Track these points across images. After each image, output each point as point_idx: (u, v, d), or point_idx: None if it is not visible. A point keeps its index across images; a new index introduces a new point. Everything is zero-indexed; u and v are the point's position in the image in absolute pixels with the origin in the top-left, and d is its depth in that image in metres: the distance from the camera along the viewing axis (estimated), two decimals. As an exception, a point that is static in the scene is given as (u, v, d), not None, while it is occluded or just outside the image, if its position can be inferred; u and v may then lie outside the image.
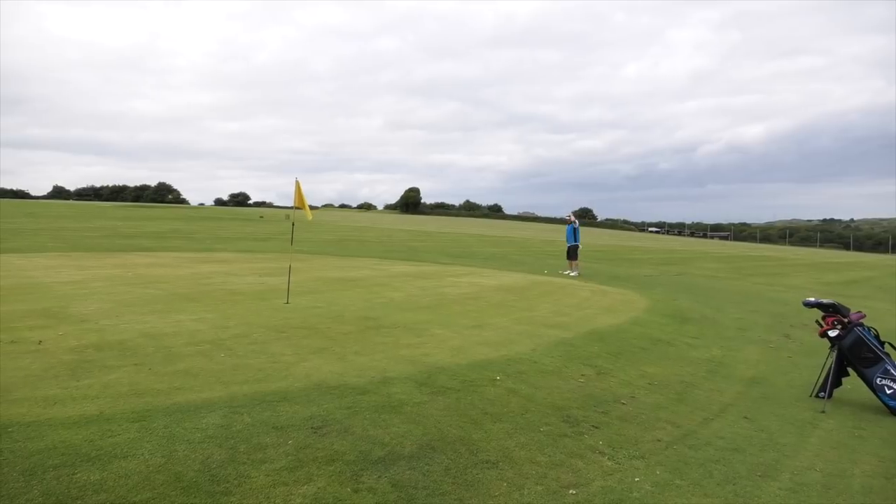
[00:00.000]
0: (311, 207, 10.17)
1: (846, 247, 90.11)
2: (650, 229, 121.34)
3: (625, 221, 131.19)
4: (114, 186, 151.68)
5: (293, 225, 11.82)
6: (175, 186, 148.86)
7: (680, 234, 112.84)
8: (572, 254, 18.13)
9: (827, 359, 6.45)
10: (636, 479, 3.89)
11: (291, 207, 10.07)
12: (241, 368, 5.38)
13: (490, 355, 6.51)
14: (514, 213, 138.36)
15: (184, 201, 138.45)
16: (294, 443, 3.86)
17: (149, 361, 5.44)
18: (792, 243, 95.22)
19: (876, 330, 6.30)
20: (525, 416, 4.81)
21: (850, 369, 6.36)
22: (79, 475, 3.24)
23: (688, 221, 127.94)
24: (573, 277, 16.77)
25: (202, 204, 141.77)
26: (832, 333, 6.31)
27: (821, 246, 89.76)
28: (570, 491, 3.64)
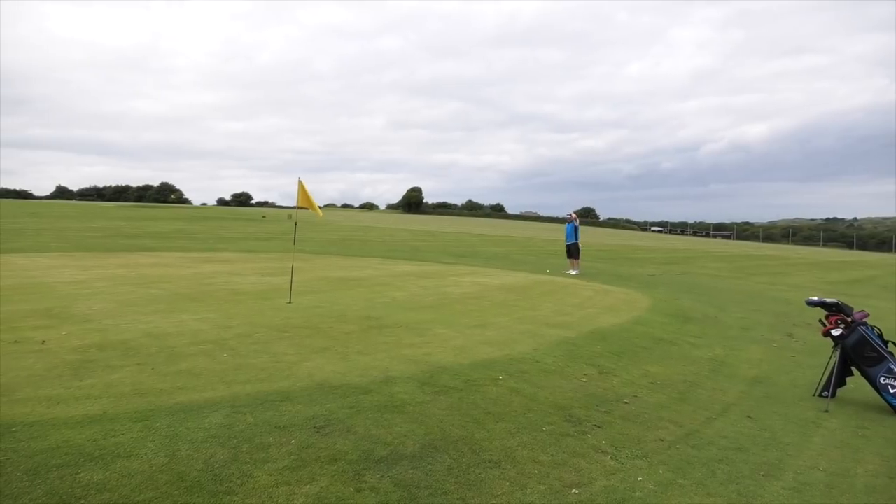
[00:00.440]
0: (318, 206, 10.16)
1: (849, 246, 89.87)
2: (653, 229, 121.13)
3: (627, 221, 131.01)
4: (116, 186, 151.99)
5: (296, 225, 11.83)
6: (178, 186, 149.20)
7: (682, 233, 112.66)
8: (573, 252, 18.15)
9: (830, 358, 6.44)
10: (639, 479, 3.88)
11: (294, 207, 10.08)
12: (243, 368, 5.39)
13: (492, 355, 6.51)
14: (517, 212, 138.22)
15: (186, 201, 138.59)
16: (297, 442, 3.86)
17: (152, 361, 5.45)
18: (795, 242, 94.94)
19: (879, 329, 6.29)
20: (527, 416, 4.81)
21: (853, 369, 6.34)
22: (82, 475, 3.25)
23: (690, 221, 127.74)
24: (574, 276, 16.78)
25: (205, 204, 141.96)
26: (835, 333, 6.30)
27: (824, 245, 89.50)
28: (573, 490, 3.63)
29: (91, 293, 9.12)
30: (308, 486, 3.34)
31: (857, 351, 6.17)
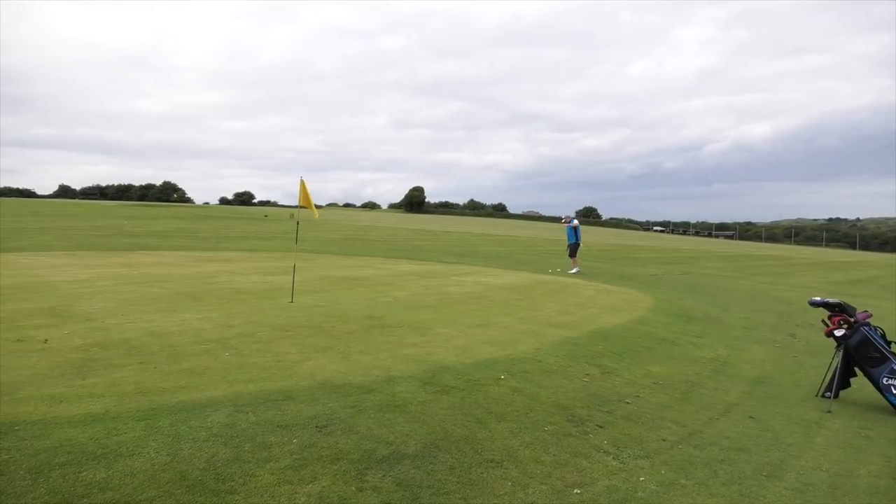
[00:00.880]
0: (316, 206, 10.17)
1: (852, 246, 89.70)
2: (655, 228, 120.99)
3: (629, 221, 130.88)
4: (119, 185, 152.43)
5: (297, 224, 11.84)
6: (180, 185, 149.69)
7: (685, 233, 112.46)
8: (574, 251, 18.19)
9: (833, 358, 6.42)
10: (641, 479, 3.88)
11: (296, 206, 10.08)
12: (245, 367, 5.39)
13: (494, 354, 6.50)
14: (519, 212, 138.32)
15: (188, 200, 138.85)
16: (299, 441, 3.86)
17: (154, 360, 5.45)
18: (797, 242, 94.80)
19: (882, 329, 6.27)
20: (529, 416, 4.80)
21: (856, 369, 6.33)
22: (84, 473, 3.25)
23: (693, 220, 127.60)
24: (572, 275, 16.81)
25: (207, 203, 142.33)
26: (838, 333, 6.28)
27: (826, 245, 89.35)
28: (575, 490, 3.63)
29: (93, 292, 9.14)
30: (310, 486, 3.34)
31: (859, 351, 6.16)
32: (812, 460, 4.57)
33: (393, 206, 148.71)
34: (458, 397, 5.01)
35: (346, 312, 8.41)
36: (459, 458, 3.89)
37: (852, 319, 6.30)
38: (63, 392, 4.46)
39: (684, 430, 4.92)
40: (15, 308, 7.53)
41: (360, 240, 30.47)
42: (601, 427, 4.75)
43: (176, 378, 4.95)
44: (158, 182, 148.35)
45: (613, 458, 4.18)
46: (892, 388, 5.99)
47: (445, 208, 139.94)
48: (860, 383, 6.45)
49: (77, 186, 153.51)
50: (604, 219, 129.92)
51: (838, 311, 6.43)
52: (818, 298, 6.67)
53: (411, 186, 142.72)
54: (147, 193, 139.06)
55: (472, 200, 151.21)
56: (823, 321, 6.60)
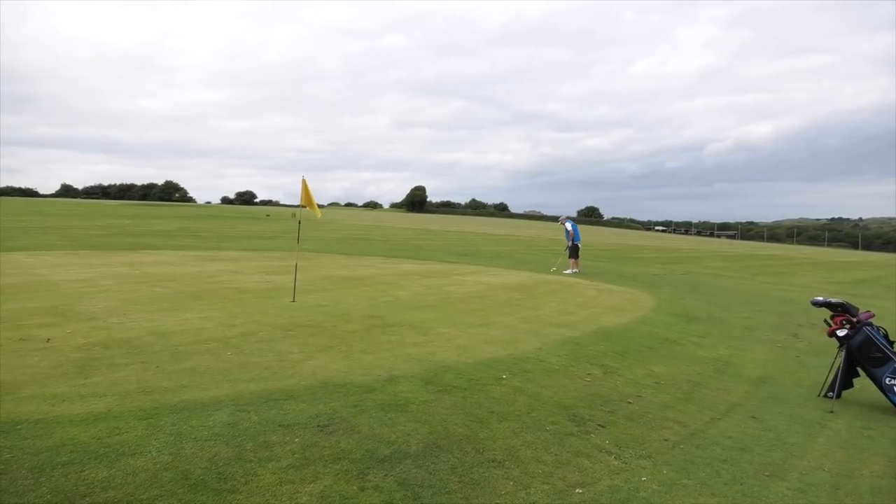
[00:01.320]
0: (318, 206, 10.17)
1: (854, 246, 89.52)
2: (657, 228, 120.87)
3: (631, 220, 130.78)
4: (121, 185, 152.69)
5: (299, 223, 11.85)
6: (182, 185, 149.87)
7: (687, 233, 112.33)
8: (573, 252, 18.14)
9: (835, 358, 6.41)
10: (643, 479, 3.88)
11: (298, 206, 10.09)
12: (247, 366, 5.39)
13: (496, 354, 6.50)
14: (520, 211, 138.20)
15: (191, 200, 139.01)
16: (300, 441, 3.87)
17: (156, 359, 5.46)
18: (800, 242, 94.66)
19: (885, 329, 6.26)
20: (531, 415, 4.80)
21: (859, 369, 6.32)
22: (87, 472, 3.25)
23: (694, 220, 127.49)
24: (573, 275, 16.80)
25: (209, 202, 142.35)
26: (841, 333, 6.27)
27: (829, 245, 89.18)
28: (577, 490, 3.63)
29: (96, 291, 9.15)
30: (312, 485, 3.34)
31: (862, 351, 6.14)
32: (814, 460, 4.56)
33: (395, 206, 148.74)
34: (460, 397, 5.01)
35: (347, 312, 8.42)
36: (461, 458, 3.89)
37: (855, 319, 6.28)
38: (65, 391, 4.47)
39: (686, 430, 4.92)
40: (17, 307, 7.55)
41: (361, 239, 30.48)
42: (603, 427, 4.74)
43: (178, 377, 4.96)
44: (161, 181, 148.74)
45: (615, 457, 4.18)
46: (895, 387, 5.98)
47: (447, 208, 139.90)
48: (863, 383, 6.44)
49: (79, 186, 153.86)
50: (605, 218, 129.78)
51: (841, 311, 6.42)
52: (820, 298, 6.66)
53: (413, 186, 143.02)
54: (149, 193, 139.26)
55: (473, 200, 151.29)
56: (826, 321, 6.59)
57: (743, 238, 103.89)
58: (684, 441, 4.66)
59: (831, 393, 6.27)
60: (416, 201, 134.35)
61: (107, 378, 4.84)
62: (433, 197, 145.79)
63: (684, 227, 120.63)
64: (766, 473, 4.20)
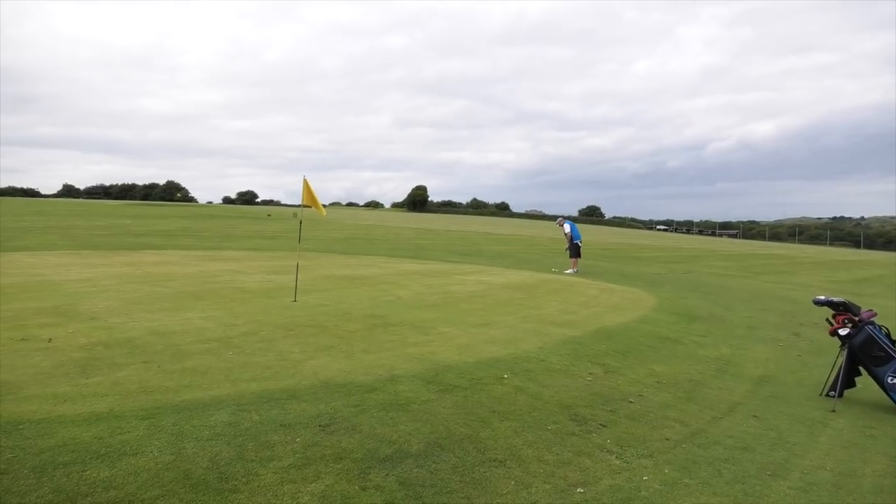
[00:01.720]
0: (322, 205, 10.17)
1: (856, 245, 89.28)
2: (658, 227, 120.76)
3: (632, 219, 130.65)
4: (123, 185, 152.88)
5: (301, 223, 11.86)
6: (183, 185, 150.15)
7: (688, 232, 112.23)
8: (574, 252, 18.11)
9: (837, 357, 6.40)
10: (644, 478, 3.87)
11: (299, 205, 10.08)
12: (249, 366, 5.40)
13: (497, 353, 6.50)
14: (522, 211, 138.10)
15: (192, 199, 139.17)
16: (302, 441, 3.87)
17: (157, 359, 5.46)
18: (801, 241, 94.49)
19: (887, 328, 6.25)
20: (532, 415, 4.80)
21: (861, 368, 6.31)
22: (88, 472, 3.26)
23: (696, 219, 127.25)
24: (574, 274, 16.80)
25: (210, 202, 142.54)
26: (842, 332, 6.26)
27: (831, 244, 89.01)
28: (578, 489, 3.62)
29: (97, 291, 9.16)
30: (313, 485, 3.35)
31: (864, 350, 6.13)
32: (816, 459, 4.56)
33: (396, 206, 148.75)
34: (461, 396, 5.01)
35: (349, 311, 8.42)
36: (462, 457, 3.89)
37: (857, 318, 6.27)
38: (67, 391, 4.48)
39: (688, 430, 4.91)
40: (19, 307, 7.56)
41: (362, 239, 30.49)
42: (604, 426, 4.74)
43: (179, 377, 4.96)
44: (162, 181, 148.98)
45: (617, 457, 4.18)
46: (897, 387, 5.97)
47: (448, 207, 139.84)
48: (864, 382, 6.43)
49: (81, 186, 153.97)
50: (607, 218, 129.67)
51: (842, 309, 6.40)
52: (822, 297, 6.65)
53: (414, 185, 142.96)
54: (151, 193, 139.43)
55: (475, 199, 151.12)
56: (828, 320, 6.58)
57: (744, 237, 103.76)
58: (686, 440, 4.66)
59: (833, 392, 6.26)
60: (417, 201, 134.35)
61: (108, 378, 4.84)
62: (434, 196, 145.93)
63: (686, 227, 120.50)
64: (768, 472, 4.19)
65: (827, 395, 6.33)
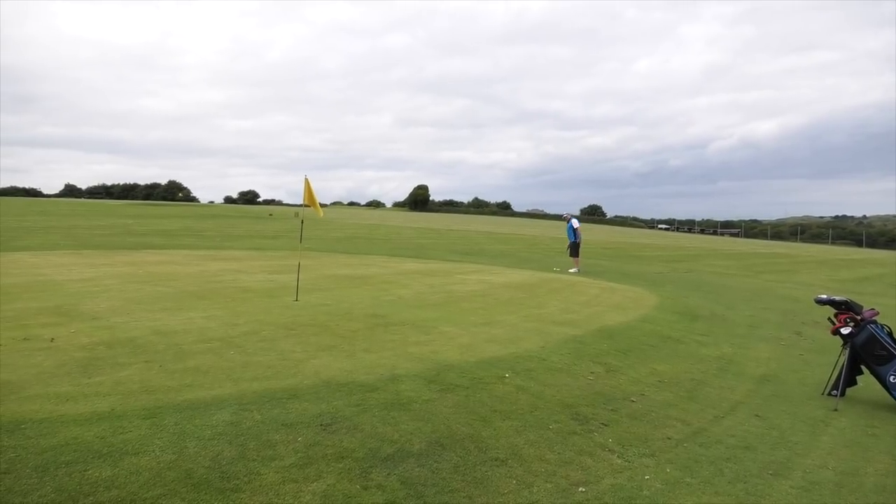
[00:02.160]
0: (321, 205, 10.18)
1: (859, 243, 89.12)
2: (660, 226, 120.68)
3: (634, 218, 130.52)
4: (125, 185, 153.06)
5: (302, 222, 11.87)
6: (185, 184, 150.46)
7: (690, 231, 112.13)
8: (575, 251, 18.11)
9: (839, 356, 6.40)
10: (646, 477, 3.87)
11: (301, 205, 10.09)
12: (250, 366, 5.40)
13: (499, 353, 6.50)
14: (523, 210, 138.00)
15: (194, 199, 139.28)
16: (303, 440, 3.87)
17: (159, 359, 5.47)
18: (803, 240, 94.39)
19: (889, 327, 6.23)
20: (534, 414, 4.80)
21: (863, 367, 6.30)
22: (90, 471, 3.26)
23: (698, 218, 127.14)
24: (572, 274, 16.79)
25: (212, 202, 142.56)
26: (844, 331, 6.25)
27: (833, 243, 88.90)
28: (580, 489, 3.62)
29: (99, 291, 9.17)
30: (315, 484, 3.35)
31: (866, 349, 6.12)
32: (818, 459, 4.55)
33: (397, 205, 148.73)
34: (463, 395, 5.01)
35: (350, 311, 8.42)
36: (464, 457, 3.89)
37: (859, 317, 6.26)
38: (69, 390, 4.48)
39: (690, 429, 4.91)
40: (21, 307, 7.57)
41: (364, 238, 30.49)
42: (606, 425, 4.74)
43: (181, 377, 4.97)
44: (164, 181, 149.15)
45: (618, 456, 4.18)
46: (899, 386, 5.96)
47: (450, 207, 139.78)
48: (867, 381, 6.42)
49: (83, 186, 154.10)
50: (608, 217, 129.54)
51: (845, 308, 6.39)
52: (824, 296, 6.64)
53: (416, 185, 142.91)
54: (152, 192, 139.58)
55: (476, 199, 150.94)
56: (830, 319, 6.57)
57: (746, 236, 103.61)
58: (688, 439, 4.66)
59: (835, 391, 6.25)
60: (418, 200, 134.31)
61: (110, 377, 4.85)
62: (436, 196, 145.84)
63: (687, 225, 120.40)
64: (770, 472, 4.19)
65: (829, 394, 6.32)
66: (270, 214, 60.77)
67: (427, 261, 18.45)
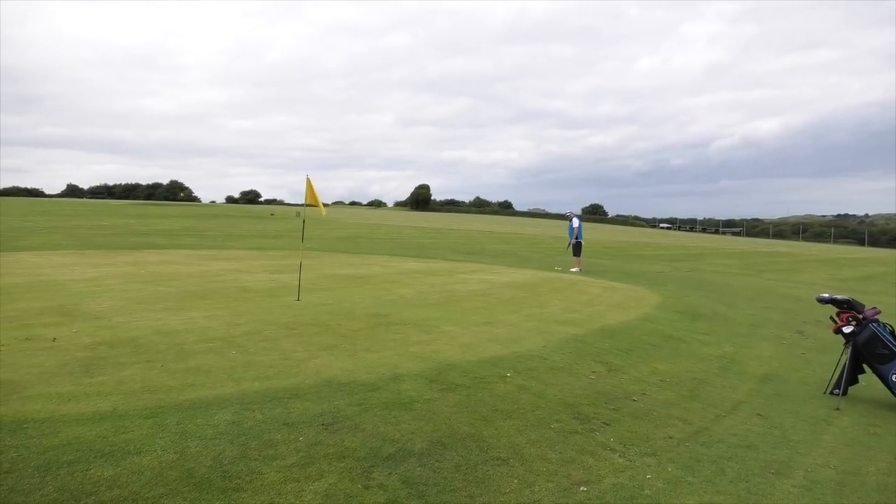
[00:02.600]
0: (323, 204, 10.19)
1: (861, 242, 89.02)
2: (661, 225, 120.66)
3: (636, 217, 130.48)
4: (126, 185, 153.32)
5: (304, 222, 11.88)
6: (187, 184, 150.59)
7: (692, 230, 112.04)
8: (576, 250, 18.10)
9: (841, 355, 6.39)
10: (648, 477, 3.87)
11: (302, 205, 10.10)
12: (252, 365, 5.41)
13: (500, 352, 6.50)
14: (525, 209, 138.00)
15: (195, 199, 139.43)
16: (305, 439, 3.87)
17: (161, 358, 5.48)
18: (805, 239, 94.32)
19: (891, 326, 6.22)
20: (535, 413, 4.80)
21: (865, 366, 6.29)
22: (92, 471, 3.27)
23: (699, 217, 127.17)
24: (574, 273, 16.78)
25: (214, 202, 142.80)
26: (847, 330, 6.24)
27: (835, 242, 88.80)
28: (581, 488, 3.62)
29: (101, 291, 9.18)
30: (316, 483, 3.35)
31: (868, 348, 6.11)
32: (820, 458, 4.55)
33: (399, 204, 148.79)
34: (464, 395, 5.01)
35: (352, 310, 8.42)
36: (465, 456, 3.89)
37: (861, 316, 6.25)
38: (71, 390, 4.49)
39: (691, 428, 4.90)
40: (24, 307, 7.58)
41: (365, 238, 30.50)
42: (607, 424, 4.73)
43: (183, 376, 4.97)
44: (165, 181, 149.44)
45: (620, 455, 4.17)
46: (902, 385, 5.95)
47: (451, 206, 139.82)
48: (869, 380, 6.41)
49: (85, 186, 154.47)
50: (610, 216, 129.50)
51: (847, 307, 6.38)
52: (826, 295, 6.63)
53: (417, 184, 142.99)
54: (154, 192, 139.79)
55: (477, 198, 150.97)
56: (832, 318, 6.56)
57: (748, 235, 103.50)
58: (689, 439, 4.65)
59: (837, 390, 6.24)
60: (420, 200, 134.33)
61: (112, 377, 4.86)
62: (437, 195, 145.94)
63: (689, 224, 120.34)
64: (772, 471, 4.18)
65: (831, 393, 6.31)
66: (272, 214, 60.81)
67: (428, 260, 18.45)
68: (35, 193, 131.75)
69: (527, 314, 9.07)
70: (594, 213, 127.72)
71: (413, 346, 6.53)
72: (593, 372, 6.18)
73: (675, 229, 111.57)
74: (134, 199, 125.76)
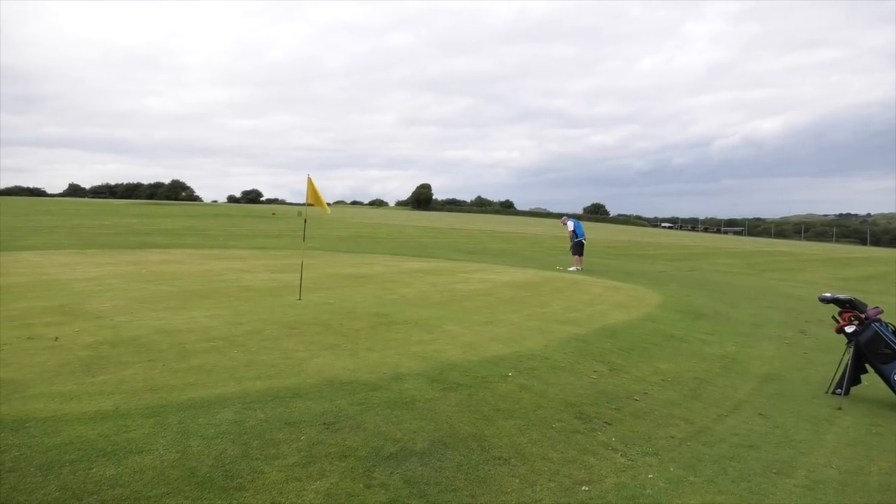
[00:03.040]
0: (326, 203, 10.19)
1: (863, 242, 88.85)
2: (663, 225, 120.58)
3: (637, 217, 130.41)
4: (128, 184, 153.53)
5: (305, 222, 11.89)
6: (188, 184, 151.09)
7: (693, 229, 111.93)
8: (577, 250, 18.10)
9: (843, 355, 6.38)
10: (649, 476, 3.86)
11: (304, 204, 10.10)
12: (253, 364, 5.41)
13: (502, 351, 6.50)
14: (526, 208, 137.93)
15: (197, 198, 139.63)
16: (306, 438, 3.88)
17: (163, 358, 5.48)
18: (807, 238, 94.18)
19: (894, 325, 6.21)
20: (537, 413, 4.80)
21: (867, 366, 6.28)
22: (94, 470, 3.27)
23: (701, 217, 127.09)
24: (577, 272, 16.78)
25: (215, 201, 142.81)
26: (849, 329, 6.23)
27: (836, 241, 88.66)
28: (583, 488, 3.62)
29: (103, 290, 9.20)
30: (318, 483, 3.35)
31: (870, 348, 6.10)
32: (822, 457, 4.54)
33: (400, 204, 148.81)
34: (466, 394, 5.01)
35: (353, 310, 8.43)
36: (467, 456, 3.89)
37: (863, 315, 6.24)
38: (73, 389, 4.50)
39: (693, 428, 4.90)
40: (26, 306, 7.59)
41: (367, 237, 30.51)
42: (609, 424, 4.73)
43: (184, 375, 4.98)
44: (167, 180, 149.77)
45: (622, 455, 4.17)
46: (904, 384, 5.94)
47: (453, 205, 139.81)
48: (871, 380, 6.40)
49: (87, 185, 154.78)
50: (612, 215, 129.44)
51: (849, 307, 6.37)
52: (828, 294, 6.62)
53: (419, 184, 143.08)
54: (156, 192, 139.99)
55: (479, 197, 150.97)
56: (834, 317, 6.55)
57: (750, 234, 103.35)
58: (691, 438, 4.65)
59: (839, 390, 6.23)
60: (421, 199, 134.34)
61: (114, 376, 4.86)
62: (439, 195, 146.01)
63: (691, 224, 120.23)
64: (774, 471, 4.18)
65: (833, 392, 6.30)
66: (273, 214, 60.82)
67: (430, 260, 18.45)
68: (37, 193, 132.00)
69: (528, 313, 9.07)
70: (596, 213, 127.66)
71: (414, 345, 6.53)
72: (595, 371, 6.18)
73: (676, 229, 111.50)
74: (136, 198, 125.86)
